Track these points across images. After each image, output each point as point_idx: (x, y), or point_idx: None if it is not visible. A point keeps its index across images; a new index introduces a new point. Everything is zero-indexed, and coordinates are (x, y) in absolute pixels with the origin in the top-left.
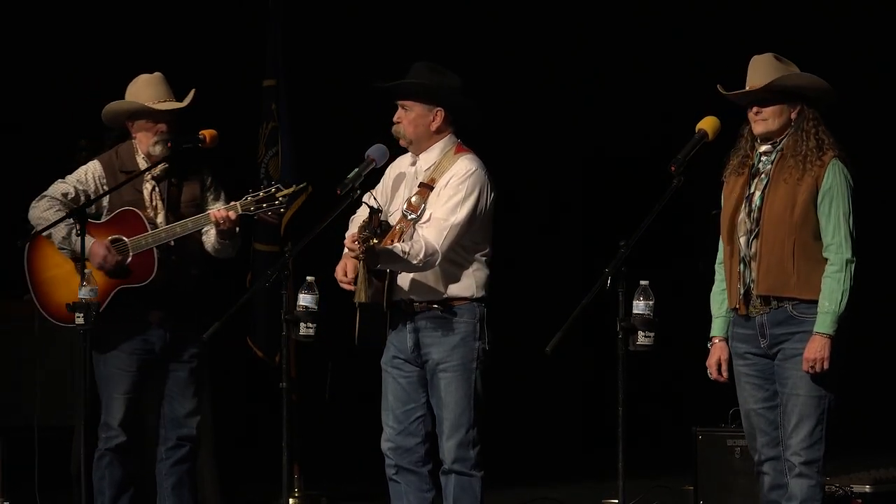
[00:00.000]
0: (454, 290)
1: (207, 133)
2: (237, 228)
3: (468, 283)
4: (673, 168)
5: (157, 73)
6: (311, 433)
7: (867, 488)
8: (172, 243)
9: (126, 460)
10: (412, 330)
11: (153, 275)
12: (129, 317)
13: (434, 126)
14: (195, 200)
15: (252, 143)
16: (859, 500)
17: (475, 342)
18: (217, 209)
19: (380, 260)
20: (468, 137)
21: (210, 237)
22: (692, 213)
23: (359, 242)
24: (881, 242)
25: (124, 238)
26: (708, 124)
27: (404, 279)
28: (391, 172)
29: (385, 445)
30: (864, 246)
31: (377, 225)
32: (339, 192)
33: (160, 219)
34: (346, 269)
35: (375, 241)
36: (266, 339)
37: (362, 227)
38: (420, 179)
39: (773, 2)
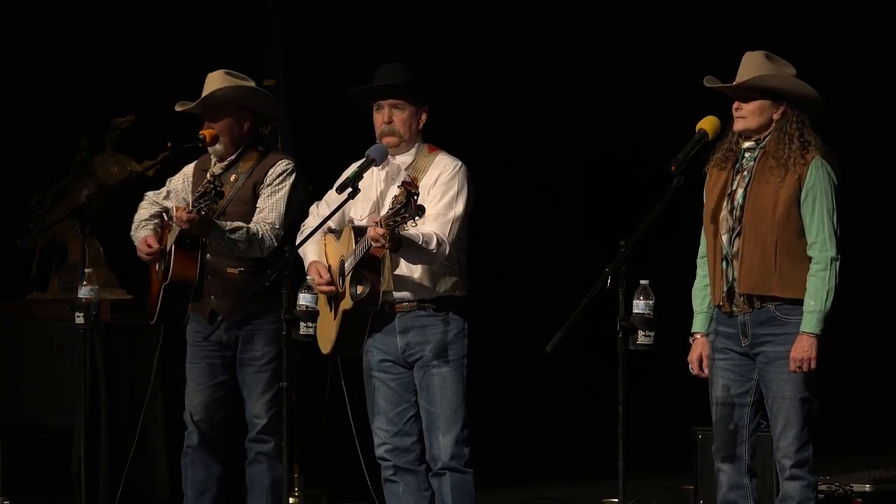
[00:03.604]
0: (446, 287)
1: (207, 133)
2: (201, 230)
3: (457, 280)
4: (673, 168)
5: (217, 72)
6: (310, 433)
7: (867, 488)
8: (206, 240)
9: (208, 459)
10: (402, 330)
11: (170, 272)
12: (178, 314)
13: (422, 124)
14: (244, 199)
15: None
16: (859, 500)
17: (465, 339)
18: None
19: (402, 245)
20: (468, 137)
21: None
22: (693, 213)
23: (386, 226)
24: (885, 242)
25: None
26: (708, 124)
27: (398, 278)
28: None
29: (381, 450)
30: (869, 246)
31: (416, 206)
32: (337, 191)
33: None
34: (320, 272)
35: (414, 222)
36: None
37: (397, 210)
38: (401, 179)
39: (777, 2)
